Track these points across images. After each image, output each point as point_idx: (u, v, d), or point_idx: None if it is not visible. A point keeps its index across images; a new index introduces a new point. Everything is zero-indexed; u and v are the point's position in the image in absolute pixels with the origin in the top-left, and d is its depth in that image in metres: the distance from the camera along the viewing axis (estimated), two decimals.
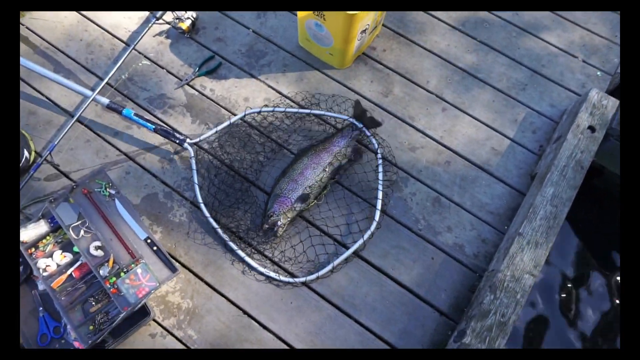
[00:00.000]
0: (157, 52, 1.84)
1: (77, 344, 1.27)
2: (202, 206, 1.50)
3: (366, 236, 1.49)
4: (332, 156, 1.57)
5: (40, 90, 1.73)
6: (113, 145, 1.65)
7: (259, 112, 1.69)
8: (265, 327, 1.41)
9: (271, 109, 1.69)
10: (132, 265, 1.28)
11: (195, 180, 1.53)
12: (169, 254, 1.35)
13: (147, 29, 1.73)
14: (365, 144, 1.69)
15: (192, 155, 1.55)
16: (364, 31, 1.68)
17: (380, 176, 1.59)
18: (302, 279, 1.45)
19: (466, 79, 1.86)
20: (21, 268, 1.34)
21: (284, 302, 1.44)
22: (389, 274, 1.50)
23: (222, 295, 1.44)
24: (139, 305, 1.27)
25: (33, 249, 1.33)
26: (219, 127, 1.63)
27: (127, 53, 1.66)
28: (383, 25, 1.93)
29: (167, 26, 1.87)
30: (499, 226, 1.59)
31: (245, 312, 1.42)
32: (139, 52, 1.83)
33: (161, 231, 1.52)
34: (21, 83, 1.74)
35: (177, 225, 1.53)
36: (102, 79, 1.77)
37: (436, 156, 1.70)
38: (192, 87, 1.78)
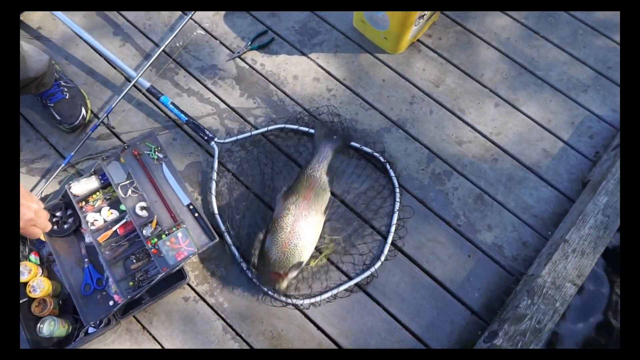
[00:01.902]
0: (212, 22, 1.86)
1: (116, 297, 1.33)
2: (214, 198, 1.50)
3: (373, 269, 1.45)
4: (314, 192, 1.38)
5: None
6: (163, 112, 1.69)
7: (281, 130, 1.62)
8: (294, 305, 1.43)
9: (306, 129, 1.60)
10: (174, 228, 1.32)
11: (214, 177, 1.53)
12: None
13: None
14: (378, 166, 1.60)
15: (216, 155, 1.53)
16: (422, 16, 1.63)
17: (397, 207, 1.51)
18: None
19: (523, 75, 1.77)
20: (71, 219, 1.40)
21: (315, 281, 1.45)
22: (423, 266, 1.48)
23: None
24: (177, 268, 1.32)
25: (83, 203, 1.39)
26: (245, 135, 1.58)
27: (185, 22, 1.68)
28: (442, 13, 1.86)
29: None
30: (543, 231, 1.53)
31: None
32: (195, 22, 1.85)
33: (202, 199, 1.56)
34: (81, 43, 1.80)
35: (217, 195, 1.56)
36: (157, 45, 1.81)
37: (483, 152, 1.65)
38: (243, 60, 1.79)
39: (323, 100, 1.71)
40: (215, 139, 1.56)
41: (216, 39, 1.83)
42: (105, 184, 1.42)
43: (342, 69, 1.77)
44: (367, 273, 1.44)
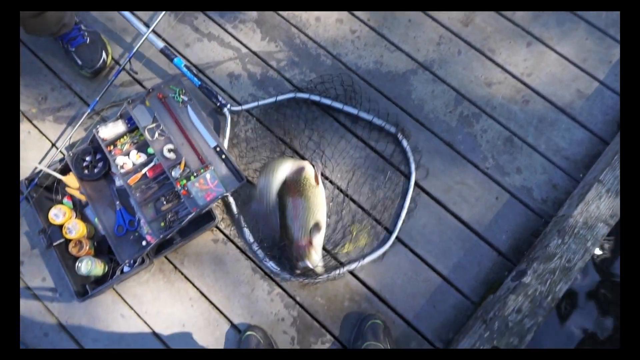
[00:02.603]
0: None
1: (149, 238, 1.36)
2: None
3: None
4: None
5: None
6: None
7: (308, 98, 1.54)
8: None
9: (317, 98, 1.53)
10: (202, 170, 1.33)
11: (225, 144, 1.49)
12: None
13: None
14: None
15: (228, 122, 1.49)
16: None
17: (406, 204, 1.46)
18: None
19: (559, 11, 1.68)
20: (101, 163, 1.42)
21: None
22: (450, 208, 1.47)
23: None
24: (207, 208, 1.33)
25: (112, 147, 1.41)
26: (262, 102, 1.52)
27: None
28: None
29: None
30: (574, 173, 1.50)
31: None
32: None
33: (226, 144, 1.55)
34: None
35: (242, 140, 1.55)
36: None
37: (514, 94, 1.59)
38: None
39: (347, 42, 1.66)
40: (229, 106, 1.51)
41: None
42: (132, 128, 1.42)
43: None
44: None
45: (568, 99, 1.58)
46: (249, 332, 1.31)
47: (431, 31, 1.67)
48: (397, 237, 1.44)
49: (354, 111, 1.51)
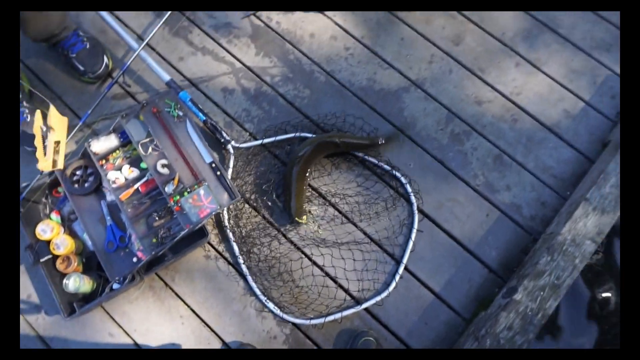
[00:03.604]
0: None
1: (140, 254, 1.34)
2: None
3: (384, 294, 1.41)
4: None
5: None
6: (178, 70, 1.66)
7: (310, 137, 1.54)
8: (315, 264, 1.44)
9: (309, 134, 1.54)
10: (195, 186, 1.32)
11: (229, 176, 1.48)
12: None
13: None
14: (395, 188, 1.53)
15: (232, 158, 1.49)
16: None
17: (413, 235, 1.46)
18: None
19: (546, 33, 1.73)
20: (92, 178, 1.40)
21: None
22: (441, 225, 1.49)
23: (277, 230, 1.48)
24: (200, 225, 1.32)
25: (104, 161, 1.39)
26: (266, 140, 1.52)
27: None
28: None
29: None
30: (562, 191, 1.53)
31: (297, 247, 1.46)
32: None
33: (219, 158, 1.55)
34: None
35: (235, 160, 1.54)
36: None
37: (503, 112, 1.62)
38: (258, 17, 1.74)
39: (340, 59, 1.68)
40: (232, 143, 1.49)
41: None
42: (125, 142, 1.41)
43: (359, 27, 1.73)
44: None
45: (555, 118, 1.62)
46: None
47: (423, 50, 1.70)
48: (388, 253, 1.45)
49: (359, 155, 1.53)
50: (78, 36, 1.56)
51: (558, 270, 1.31)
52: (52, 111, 1.24)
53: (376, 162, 1.52)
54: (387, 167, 1.52)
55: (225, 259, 1.45)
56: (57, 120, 1.26)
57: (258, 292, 1.39)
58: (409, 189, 1.50)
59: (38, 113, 1.23)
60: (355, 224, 1.48)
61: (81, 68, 1.56)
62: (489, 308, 1.35)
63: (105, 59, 1.59)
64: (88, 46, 1.56)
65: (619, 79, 1.66)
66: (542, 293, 1.29)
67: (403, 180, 1.51)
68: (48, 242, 1.34)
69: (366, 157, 1.53)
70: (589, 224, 1.36)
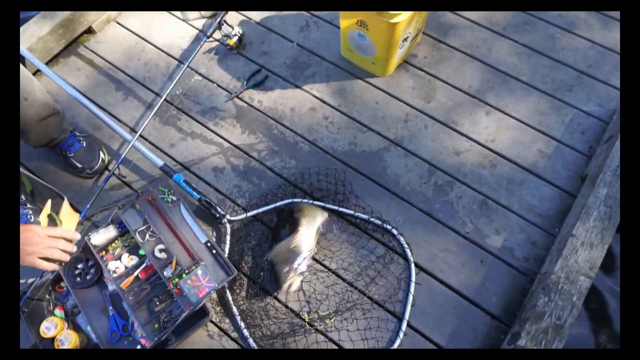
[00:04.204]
0: (207, 67, 1.96)
1: (143, 341, 1.35)
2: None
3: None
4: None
5: (104, 107, 1.88)
6: (170, 156, 1.76)
7: (300, 202, 1.61)
8: (317, 330, 1.45)
9: (311, 202, 1.61)
10: (193, 267, 1.37)
11: (226, 251, 1.53)
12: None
13: (198, 47, 1.82)
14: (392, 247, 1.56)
15: (228, 231, 1.55)
16: (405, 39, 1.72)
17: (412, 288, 1.49)
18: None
19: (509, 82, 1.85)
20: (93, 270, 1.45)
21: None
22: (438, 276, 1.51)
23: (276, 299, 1.50)
24: (200, 305, 1.35)
25: (103, 252, 1.44)
26: (261, 209, 1.59)
27: (182, 70, 1.77)
28: (423, 33, 1.97)
29: (216, 43, 1.98)
30: (550, 229, 1.57)
31: (296, 314, 1.47)
32: (192, 69, 1.95)
33: (215, 236, 1.60)
34: (86, 101, 1.88)
35: (231, 232, 1.60)
36: (158, 95, 1.90)
37: (481, 159, 1.70)
38: (241, 99, 1.87)
39: (321, 127, 1.79)
40: (227, 217, 1.56)
41: (213, 82, 1.92)
42: (123, 232, 1.47)
43: (335, 96, 1.86)
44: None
45: (531, 159, 1.69)
46: None
47: (397, 110, 1.81)
48: (389, 311, 1.46)
49: (349, 212, 1.59)
50: (75, 137, 1.68)
51: (557, 310, 1.32)
52: (65, 205, 1.31)
53: (367, 217, 1.57)
54: (378, 222, 1.56)
55: (229, 335, 1.45)
56: (68, 215, 1.32)
57: None
58: (403, 241, 1.54)
59: (49, 202, 1.30)
60: (352, 285, 1.50)
61: (79, 166, 1.66)
62: None
63: (102, 155, 1.70)
64: (85, 144, 1.68)
65: (585, 115, 1.76)
66: (546, 336, 1.29)
67: (395, 232, 1.55)
68: (52, 339, 1.36)
69: (357, 214, 1.58)
70: (580, 259, 1.38)
